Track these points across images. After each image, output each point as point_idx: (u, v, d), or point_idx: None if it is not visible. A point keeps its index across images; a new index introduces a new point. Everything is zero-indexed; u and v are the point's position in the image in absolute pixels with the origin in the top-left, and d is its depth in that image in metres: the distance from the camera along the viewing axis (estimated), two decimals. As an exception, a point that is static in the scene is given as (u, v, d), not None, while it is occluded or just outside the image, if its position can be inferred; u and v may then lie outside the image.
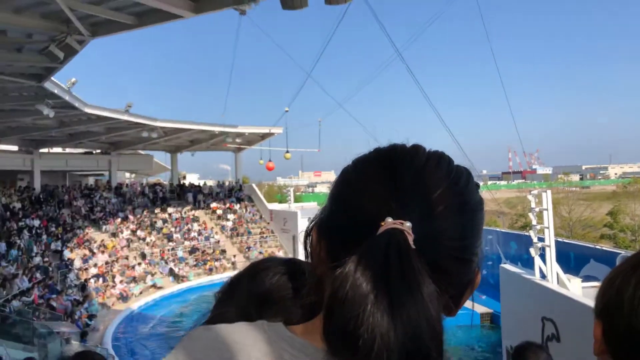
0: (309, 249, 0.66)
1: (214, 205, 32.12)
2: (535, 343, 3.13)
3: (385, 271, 0.51)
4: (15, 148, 27.32)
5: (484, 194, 0.67)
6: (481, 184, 0.68)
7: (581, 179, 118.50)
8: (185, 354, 0.57)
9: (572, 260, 14.76)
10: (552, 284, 8.66)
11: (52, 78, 15.88)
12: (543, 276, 9.00)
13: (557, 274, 8.73)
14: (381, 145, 0.66)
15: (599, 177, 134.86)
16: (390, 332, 0.48)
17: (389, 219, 0.55)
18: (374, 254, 0.52)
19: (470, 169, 0.67)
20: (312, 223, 0.67)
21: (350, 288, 0.51)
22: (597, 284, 10.09)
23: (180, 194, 32.69)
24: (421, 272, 0.52)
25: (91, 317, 18.11)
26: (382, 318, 0.48)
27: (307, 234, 0.67)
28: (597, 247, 15.63)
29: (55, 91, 16.97)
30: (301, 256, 0.96)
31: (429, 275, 0.52)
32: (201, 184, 37.30)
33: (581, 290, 8.66)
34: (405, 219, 0.55)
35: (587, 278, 12.24)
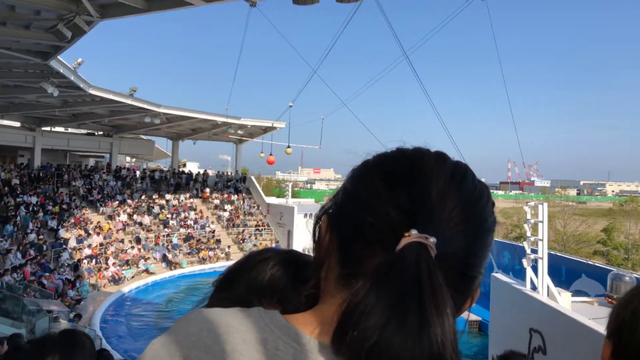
0: (316, 237, 0.65)
1: (206, 191, 32.07)
2: (519, 352, 3.16)
3: (416, 288, 0.50)
4: (17, 124, 27.26)
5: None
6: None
7: (578, 194, 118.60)
8: (179, 334, 0.57)
9: (563, 274, 14.82)
10: (542, 296, 8.69)
11: (59, 57, 15.85)
12: (534, 288, 9.04)
13: (548, 287, 8.76)
14: (388, 146, 0.64)
15: (596, 194, 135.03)
16: (417, 348, 0.47)
17: (414, 231, 0.53)
18: (403, 268, 0.51)
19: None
20: (323, 211, 0.65)
21: (377, 301, 0.50)
22: (587, 299, 10.15)
23: (179, 182, 32.64)
24: (446, 289, 0.51)
25: (79, 300, 18.10)
26: (408, 334, 0.48)
27: (317, 220, 0.66)
28: (590, 262, 15.68)
29: (61, 70, 16.93)
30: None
31: (449, 293, 0.51)
32: (201, 173, 37.23)
33: (570, 305, 8.69)
34: (430, 233, 0.54)
35: (577, 293, 12.30)
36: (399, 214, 0.56)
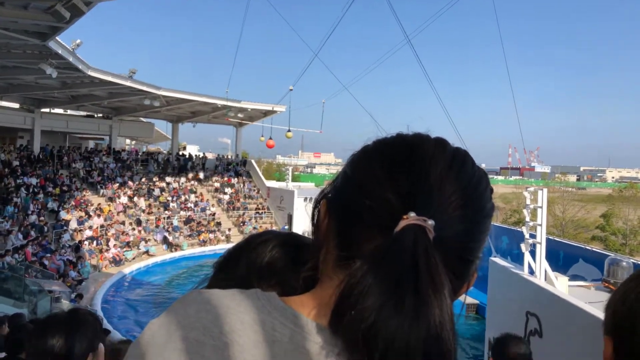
0: (315, 220, 0.66)
1: (199, 174, 32.09)
2: (515, 335, 3.21)
3: (413, 269, 0.50)
4: (16, 106, 27.10)
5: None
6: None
7: (578, 180, 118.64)
8: (177, 315, 0.58)
9: (561, 258, 14.92)
10: (539, 280, 8.77)
11: (57, 38, 15.67)
12: (531, 272, 9.11)
13: (545, 271, 8.83)
14: (390, 132, 0.64)
15: (596, 180, 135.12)
16: (413, 330, 0.48)
17: (412, 214, 0.54)
18: (401, 250, 0.51)
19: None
20: (322, 195, 0.66)
21: (374, 282, 0.50)
22: (584, 283, 10.24)
23: (180, 165, 32.63)
24: (443, 271, 0.52)
25: (81, 281, 18.27)
26: (405, 315, 0.48)
27: (316, 204, 0.66)
28: (587, 247, 15.76)
29: (60, 51, 16.76)
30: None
31: (447, 276, 0.52)
32: (200, 156, 37.20)
33: (567, 289, 8.78)
34: (429, 216, 0.54)
35: (574, 277, 12.39)
36: (397, 198, 0.56)
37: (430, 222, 0.54)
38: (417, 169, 0.58)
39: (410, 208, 0.55)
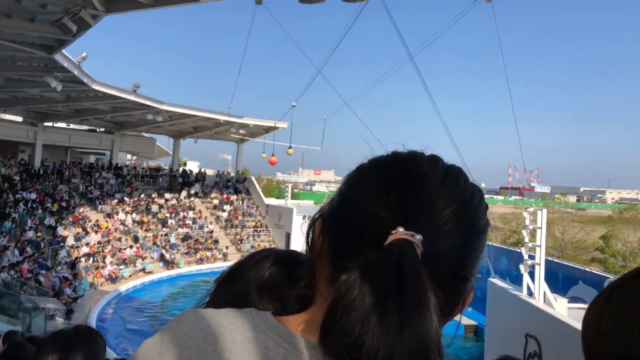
0: (309, 240, 0.66)
1: (193, 190, 32.02)
2: (514, 357, 3.17)
3: (397, 283, 0.50)
4: (19, 119, 27.21)
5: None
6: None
7: (578, 200, 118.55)
8: (171, 334, 0.58)
9: (560, 280, 14.83)
10: (538, 302, 8.70)
11: (63, 51, 15.82)
12: (530, 293, 9.05)
13: (545, 293, 8.78)
14: (387, 150, 0.65)
15: (596, 201, 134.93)
16: (396, 344, 0.47)
17: (401, 229, 0.54)
18: (386, 264, 0.51)
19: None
20: (318, 215, 0.66)
21: (358, 296, 0.50)
22: (583, 305, 10.15)
23: (179, 182, 32.61)
24: (430, 286, 0.51)
25: (76, 298, 18.07)
26: (389, 330, 0.48)
27: (311, 224, 0.67)
28: (587, 269, 15.69)
29: (65, 64, 16.89)
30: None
31: (433, 292, 0.52)
32: (196, 172, 37.20)
33: (567, 311, 8.71)
34: (417, 231, 0.54)
35: (574, 299, 12.30)
36: (388, 214, 0.57)
37: (418, 237, 0.54)
38: (408, 185, 0.59)
39: (399, 223, 0.55)
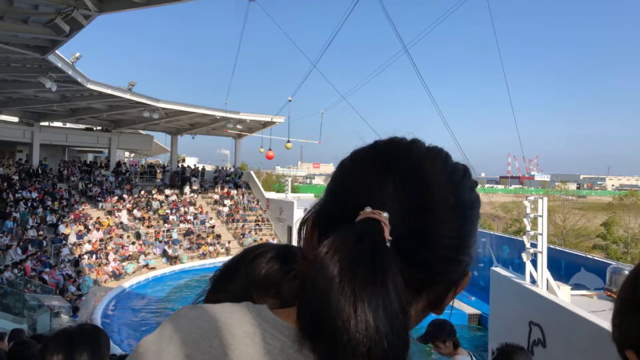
0: (302, 236, 0.67)
1: (194, 186, 32.07)
2: (518, 346, 3.17)
3: (354, 258, 0.51)
4: (15, 119, 27.19)
5: (481, 196, 0.66)
6: (478, 186, 0.67)
7: (578, 188, 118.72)
8: (169, 331, 0.58)
9: (563, 268, 14.86)
10: (541, 289, 8.72)
11: (57, 51, 15.78)
12: (533, 281, 9.07)
13: (547, 280, 8.79)
14: (381, 138, 0.66)
15: (596, 188, 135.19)
16: (352, 318, 0.48)
17: (368, 209, 0.55)
18: (345, 240, 0.53)
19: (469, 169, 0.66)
20: (309, 212, 0.67)
21: (320, 271, 0.51)
22: (586, 292, 10.19)
23: (178, 178, 32.63)
24: (390, 263, 0.52)
25: (80, 296, 18.14)
26: (345, 304, 0.49)
27: (303, 222, 0.68)
28: (589, 256, 15.71)
29: (59, 65, 16.87)
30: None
31: (398, 267, 0.52)
32: (199, 168, 37.22)
33: (570, 298, 8.73)
34: (385, 210, 0.55)
35: (576, 286, 12.35)
36: (360, 196, 0.58)
37: (385, 215, 0.54)
38: (382, 167, 0.60)
39: (367, 204, 0.56)
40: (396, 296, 0.51)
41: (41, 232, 20.99)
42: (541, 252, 8.81)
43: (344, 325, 0.48)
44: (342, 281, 0.50)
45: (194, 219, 28.70)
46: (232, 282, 0.90)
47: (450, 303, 0.64)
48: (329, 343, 0.49)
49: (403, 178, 0.58)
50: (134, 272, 22.36)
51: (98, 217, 24.86)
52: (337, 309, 0.49)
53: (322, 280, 0.51)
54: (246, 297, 0.83)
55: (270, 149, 28.26)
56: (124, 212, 26.22)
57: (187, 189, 31.07)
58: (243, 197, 32.81)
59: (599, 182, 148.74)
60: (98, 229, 23.75)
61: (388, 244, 0.53)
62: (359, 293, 0.49)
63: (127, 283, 21.29)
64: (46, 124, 28.81)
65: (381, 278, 0.50)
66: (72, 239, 21.99)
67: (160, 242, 25.53)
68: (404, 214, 0.56)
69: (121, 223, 25.36)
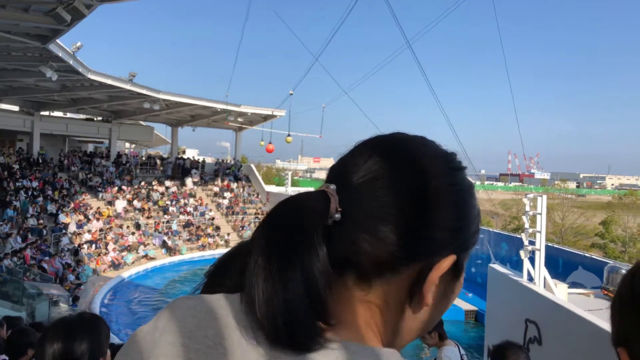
0: None
1: (195, 178, 32.07)
2: (514, 343, 3.19)
3: (274, 229, 0.54)
4: (16, 108, 27.13)
5: (480, 194, 0.65)
6: (478, 183, 0.66)
7: (578, 186, 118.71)
8: (165, 320, 0.59)
9: (560, 266, 14.90)
10: (538, 287, 8.75)
11: (58, 41, 15.71)
12: (530, 279, 9.09)
13: (545, 278, 8.82)
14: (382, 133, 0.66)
15: (596, 187, 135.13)
16: (267, 293, 0.51)
17: (326, 186, 0.58)
18: (274, 211, 0.56)
19: (468, 166, 0.64)
20: None
21: (252, 244, 0.55)
22: (583, 291, 10.21)
23: (179, 169, 32.63)
24: (315, 234, 0.53)
25: (79, 285, 18.20)
26: (263, 278, 0.52)
27: None
28: (587, 255, 15.75)
29: (60, 54, 16.79)
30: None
31: (323, 241, 0.53)
32: (200, 160, 37.22)
33: (567, 296, 8.76)
34: (338, 184, 0.57)
35: (574, 285, 12.37)
36: (332, 175, 0.61)
37: (332, 187, 0.56)
38: (352, 152, 0.62)
39: (334, 181, 0.59)
40: (309, 274, 0.52)
41: (41, 221, 21.02)
42: (539, 250, 8.83)
43: (263, 299, 0.51)
44: (260, 259, 0.53)
45: (194, 210, 28.73)
46: (227, 276, 0.89)
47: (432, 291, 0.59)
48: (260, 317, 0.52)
49: (367, 156, 0.59)
50: (133, 262, 22.42)
51: (98, 207, 24.89)
52: (257, 283, 0.52)
53: (252, 254, 0.55)
54: (243, 290, 0.83)
55: (270, 142, 28.23)
56: (119, 202, 26.19)
57: (189, 181, 31.11)
58: (243, 190, 32.83)
59: (598, 181, 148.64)
60: (98, 219, 23.79)
61: (337, 215, 0.55)
62: (277, 270, 0.51)
63: (126, 273, 21.36)
64: (47, 113, 28.75)
65: (295, 257, 0.52)
66: (72, 228, 22.03)
67: (160, 233, 25.58)
68: (363, 188, 0.57)
69: (118, 214, 25.39)
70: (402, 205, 0.56)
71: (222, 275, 0.91)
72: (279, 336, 0.50)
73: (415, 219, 0.56)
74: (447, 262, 0.58)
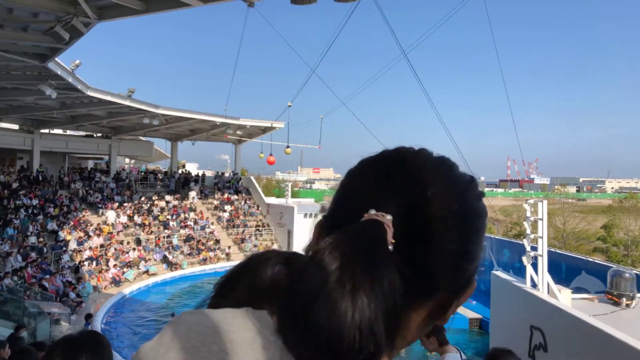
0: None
1: (192, 193, 32.06)
2: (506, 349, 3.20)
3: (351, 256, 0.51)
4: (16, 127, 27.22)
5: (486, 207, 0.66)
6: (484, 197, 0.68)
7: (578, 191, 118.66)
8: (169, 337, 0.58)
9: (563, 271, 14.83)
10: (542, 293, 8.70)
11: (56, 59, 15.83)
12: (534, 285, 9.05)
13: (548, 284, 8.77)
14: (387, 147, 0.66)
15: (596, 191, 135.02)
16: (346, 315, 0.48)
17: (372, 211, 0.55)
18: (344, 237, 0.52)
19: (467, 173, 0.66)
20: (317, 221, 0.68)
21: (314, 266, 0.51)
22: (587, 296, 10.16)
23: (179, 184, 32.64)
24: (388, 264, 0.51)
25: (80, 302, 18.06)
26: (335, 300, 0.49)
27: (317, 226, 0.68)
28: (590, 259, 15.69)
29: (59, 72, 16.91)
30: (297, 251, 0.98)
31: (396, 267, 0.52)
32: (199, 174, 37.24)
33: (571, 302, 8.71)
34: (387, 212, 0.55)
35: (577, 290, 12.31)
36: (363, 201, 0.58)
37: (388, 217, 0.54)
38: (385, 174, 0.60)
39: (370, 207, 0.56)
40: (390, 295, 0.50)
41: (41, 239, 20.95)
42: (542, 256, 8.80)
43: (331, 321, 0.48)
44: (339, 278, 0.49)
45: (195, 224, 28.67)
46: (236, 289, 0.89)
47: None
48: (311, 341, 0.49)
49: (406, 183, 0.59)
50: (134, 278, 22.29)
51: (98, 224, 24.82)
52: (327, 306, 0.49)
53: (317, 275, 0.50)
54: (251, 305, 0.83)
55: (271, 154, 28.27)
56: (110, 212, 26.08)
57: (193, 194, 31.12)
58: (243, 203, 32.79)
59: (598, 185, 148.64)
60: (98, 235, 23.71)
61: (390, 247, 0.53)
62: (354, 292, 0.49)
63: (127, 289, 21.22)
64: (46, 131, 28.84)
65: (378, 276, 0.50)
66: (73, 245, 21.95)
67: (161, 248, 25.49)
68: (407, 219, 0.55)
69: (112, 224, 25.32)
70: (448, 239, 0.57)
71: (231, 288, 0.91)
72: (345, 355, 0.48)
73: (458, 254, 0.58)
74: (471, 290, 0.62)
